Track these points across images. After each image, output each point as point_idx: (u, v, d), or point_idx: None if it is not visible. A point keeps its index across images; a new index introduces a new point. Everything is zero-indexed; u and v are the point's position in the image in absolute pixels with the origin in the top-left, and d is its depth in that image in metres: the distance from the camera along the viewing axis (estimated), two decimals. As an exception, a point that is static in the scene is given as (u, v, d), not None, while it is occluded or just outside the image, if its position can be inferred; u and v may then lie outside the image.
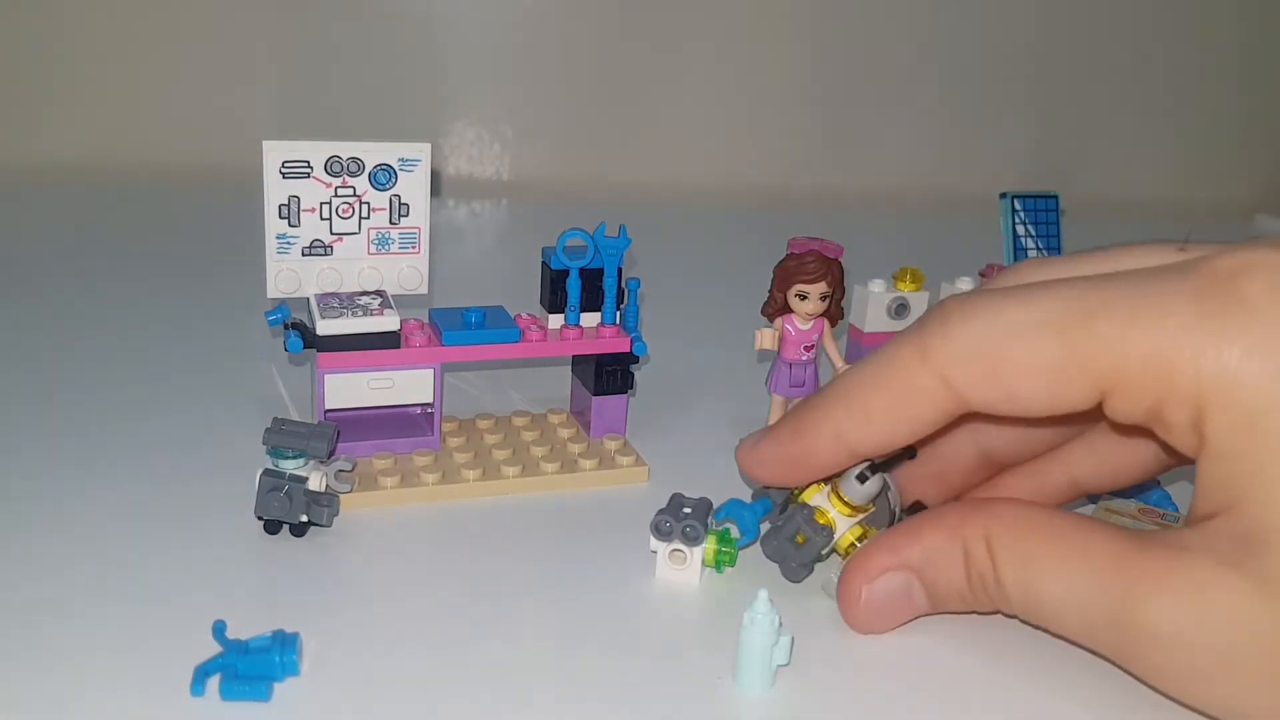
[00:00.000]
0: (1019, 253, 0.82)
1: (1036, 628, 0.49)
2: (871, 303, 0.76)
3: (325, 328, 0.61)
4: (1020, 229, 0.82)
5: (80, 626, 0.48)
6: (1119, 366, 0.42)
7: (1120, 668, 0.46)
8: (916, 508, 0.56)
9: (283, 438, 0.56)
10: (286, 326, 0.62)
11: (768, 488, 0.57)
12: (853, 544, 0.54)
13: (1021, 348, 0.43)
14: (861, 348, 0.75)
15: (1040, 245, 0.82)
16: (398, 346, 0.63)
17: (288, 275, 0.63)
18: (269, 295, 0.63)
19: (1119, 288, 0.43)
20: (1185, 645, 0.41)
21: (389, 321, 0.62)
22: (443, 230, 1.21)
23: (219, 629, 0.45)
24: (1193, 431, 0.42)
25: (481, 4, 1.37)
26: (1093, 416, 0.46)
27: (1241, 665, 0.41)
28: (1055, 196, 0.82)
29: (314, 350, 0.62)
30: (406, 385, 0.64)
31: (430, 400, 0.65)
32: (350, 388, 0.63)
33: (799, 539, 0.54)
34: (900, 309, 0.77)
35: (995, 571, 0.46)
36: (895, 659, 0.50)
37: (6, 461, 0.63)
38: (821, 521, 0.54)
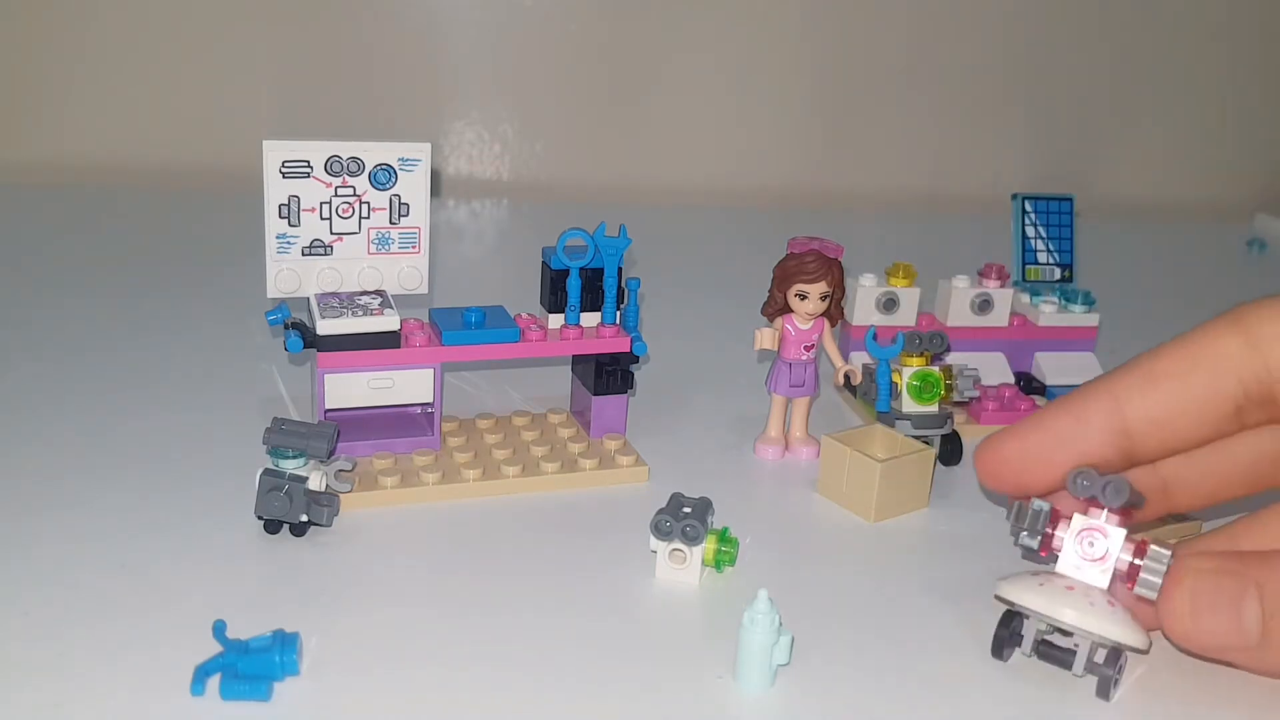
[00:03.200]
0: (1027, 254, 0.81)
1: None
2: (860, 296, 0.76)
3: (325, 327, 0.61)
4: (1030, 230, 0.81)
5: (81, 626, 0.48)
6: None
7: None
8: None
9: (283, 437, 0.56)
10: (287, 326, 0.61)
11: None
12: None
13: None
14: (852, 342, 0.75)
15: (1051, 248, 0.82)
16: (398, 346, 0.63)
17: (288, 275, 0.63)
18: (269, 295, 0.63)
19: None
20: None
21: (389, 321, 0.62)
22: (443, 230, 1.21)
23: (219, 629, 0.45)
24: None
25: (481, 4, 1.37)
26: None
27: None
28: (1070, 199, 0.81)
29: (314, 350, 0.62)
30: (406, 385, 0.64)
31: (430, 400, 0.65)
32: (350, 387, 0.63)
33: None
34: (889, 304, 0.77)
35: None
36: (895, 659, 0.50)
37: (6, 461, 0.63)
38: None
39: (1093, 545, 0.49)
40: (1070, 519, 0.49)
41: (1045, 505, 0.50)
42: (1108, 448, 0.45)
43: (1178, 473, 0.50)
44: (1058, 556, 0.50)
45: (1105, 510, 0.49)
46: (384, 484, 0.61)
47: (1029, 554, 0.51)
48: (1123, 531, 0.49)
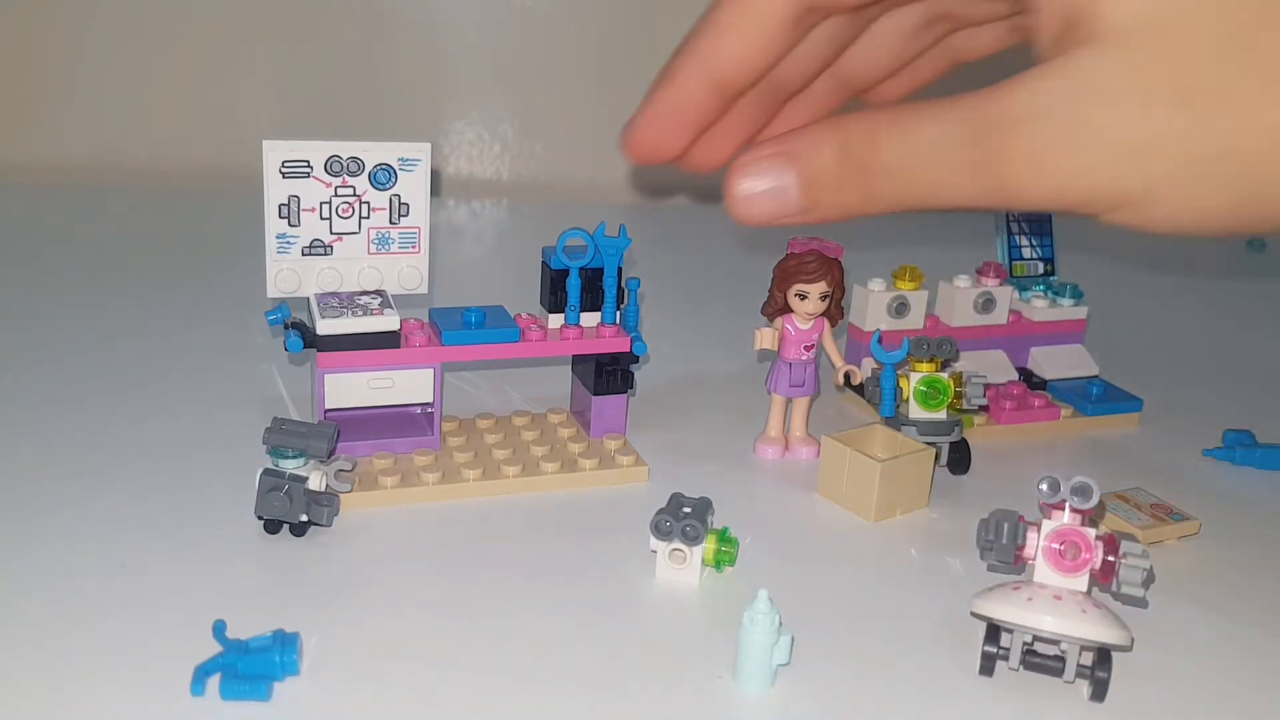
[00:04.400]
0: (1013, 250, 0.82)
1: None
2: (871, 301, 0.76)
3: (325, 327, 0.61)
4: (1014, 226, 0.82)
5: (81, 626, 0.48)
6: None
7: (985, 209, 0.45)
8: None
9: (283, 437, 0.56)
10: (286, 326, 0.61)
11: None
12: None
13: None
14: (862, 346, 0.75)
15: (1034, 243, 0.82)
16: (397, 346, 0.63)
17: (288, 275, 0.63)
18: (269, 295, 0.63)
19: None
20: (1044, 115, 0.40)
21: (389, 321, 0.62)
22: (443, 230, 1.21)
23: (219, 629, 0.45)
24: None
25: (481, 4, 1.37)
26: None
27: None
28: None
29: (314, 350, 0.62)
30: (406, 385, 0.64)
31: (430, 400, 0.65)
32: (350, 387, 0.63)
33: None
34: (900, 307, 0.77)
35: (875, 145, 0.44)
36: (895, 659, 0.50)
37: (6, 461, 0.63)
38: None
39: (1064, 550, 0.49)
40: (1039, 527, 0.50)
41: (1013, 515, 0.51)
42: (715, 101, 0.50)
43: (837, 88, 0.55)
44: (1028, 566, 0.50)
45: (1071, 512, 0.49)
46: (384, 484, 0.61)
47: (999, 566, 0.51)
48: (1092, 531, 0.49)
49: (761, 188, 0.47)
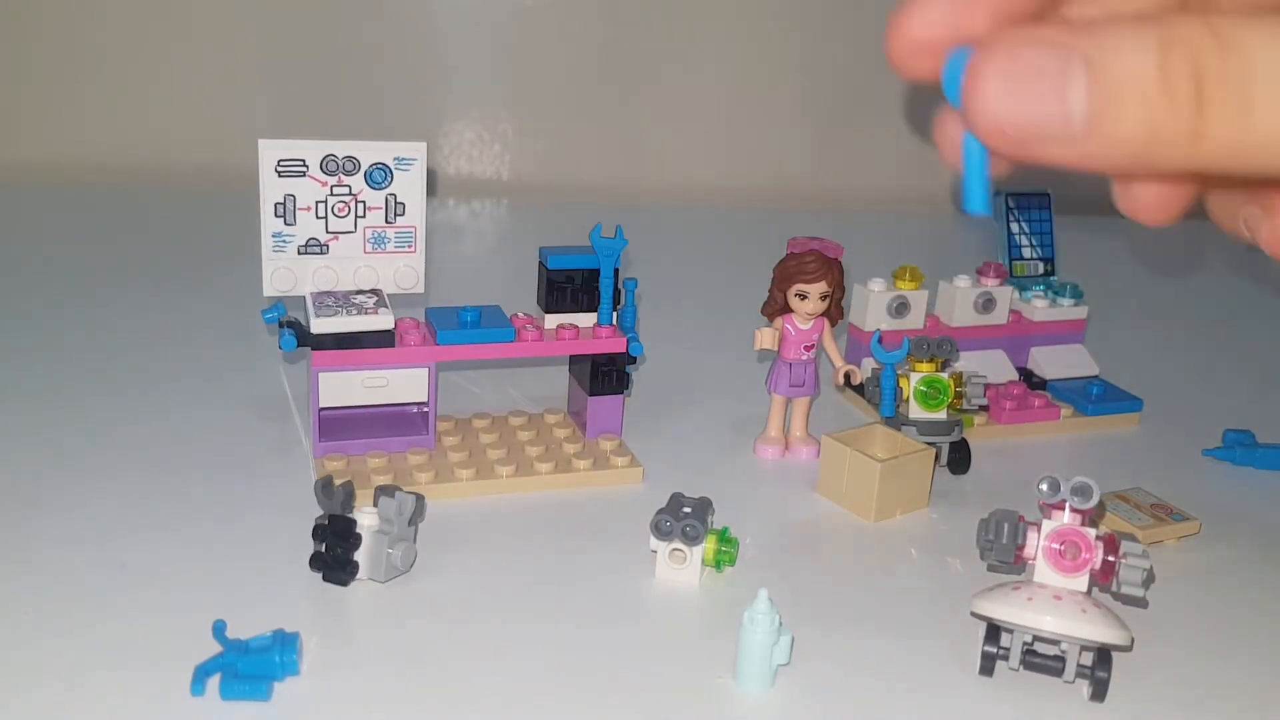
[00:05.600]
0: (1013, 249, 0.82)
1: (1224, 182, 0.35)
2: (872, 301, 0.76)
3: (319, 326, 0.61)
4: (1015, 226, 0.82)
5: (81, 626, 0.48)
6: None
7: None
8: None
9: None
10: (281, 325, 0.61)
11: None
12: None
13: None
14: (862, 346, 0.75)
15: (1034, 243, 0.82)
16: (392, 345, 0.63)
17: (283, 273, 0.63)
18: (265, 294, 0.63)
19: None
20: None
21: (383, 320, 0.62)
22: (442, 230, 1.21)
23: (219, 629, 0.45)
24: None
25: (481, 4, 1.37)
26: None
27: None
28: (1047, 194, 0.83)
29: (309, 348, 0.62)
30: (401, 384, 0.64)
31: (425, 399, 0.65)
32: (344, 386, 0.63)
33: None
34: (900, 307, 0.76)
35: (1227, 56, 0.29)
36: (895, 659, 0.50)
37: (6, 461, 0.63)
38: None
39: (1064, 550, 0.49)
40: (1039, 527, 0.50)
41: (1013, 515, 0.50)
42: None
43: None
44: (1028, 565, 0.50)
45: (1071, 512, 0.49)
46: (376, 483, 0.60)
47: (999, 566, 0.51)
48: (1092, 531, 0.49)
49: (1030, 78, 0.31)
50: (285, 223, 0.62)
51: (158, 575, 0.53)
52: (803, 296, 0.67)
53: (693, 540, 0.54)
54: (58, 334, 0.83)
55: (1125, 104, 0.30)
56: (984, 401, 0.70)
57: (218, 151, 1.23)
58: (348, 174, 0.62)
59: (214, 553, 0.55)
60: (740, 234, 1.29)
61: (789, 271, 0.67)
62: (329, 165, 0.62)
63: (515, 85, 1.40)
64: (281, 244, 0.62)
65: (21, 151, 1.30)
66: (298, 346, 0.61)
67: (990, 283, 0.78)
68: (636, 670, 0.48)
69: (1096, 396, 0.78)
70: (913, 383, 0.67)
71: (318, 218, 0.62)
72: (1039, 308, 0.80)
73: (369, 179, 0.62)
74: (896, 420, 0.67)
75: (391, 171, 0.63)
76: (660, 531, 0.54)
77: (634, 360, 0.68)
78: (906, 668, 0.49)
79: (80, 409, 0.70)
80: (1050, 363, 0.80)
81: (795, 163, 1.46)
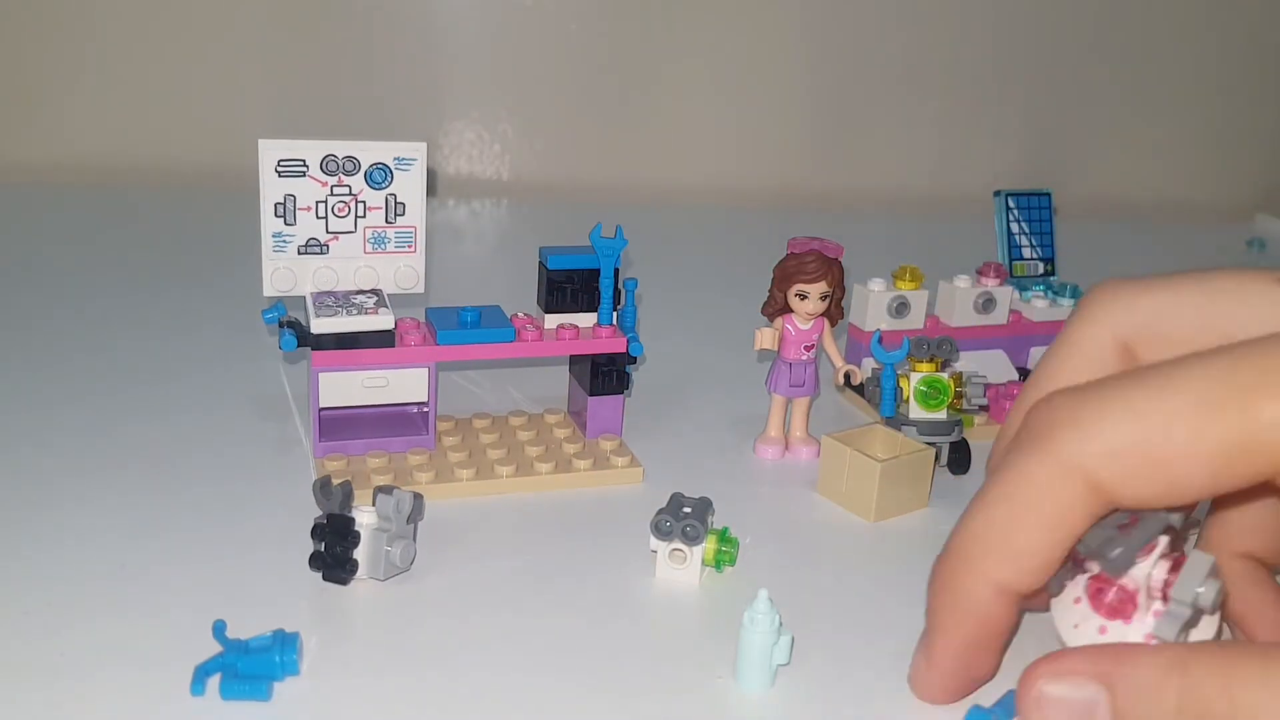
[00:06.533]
0: (1013, 249, 0.82)
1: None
2: (872, 301, 0.76)
3: (319, 326, 0.61)
4: (1014, 226, 0.82)
5: (81, 626, 0.48)
6: None
7: None
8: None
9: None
10: (281, 324, 0.61)
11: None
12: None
13: (1182, 434, 0.39)
14: (862, 346, 0.75)
15: (1034, 243, 0.82)
16: (392, 345, 0.63)
17: (284, 273, 0.63)
18: (265, 294, 0.63)
19: (1267, 356, 0.39)
20: None
21: (383, 320, 0.62)
22: (442, 230, 1.21)
23: (219, 629, 0.45)
24: None
25: (481, 4, 1.37)
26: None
27: None
28: (1048, 194, 0.83)
29: (309, 348, 0.62)
30: (401, 384, 0.64)
31: (425, 399, 0.65)
32: (344, 386, 0.63)
33: None
34: (900, 307, 0.76)
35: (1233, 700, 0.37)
36: (895, 659, 0.50)
37: (6, 461, 0.63)
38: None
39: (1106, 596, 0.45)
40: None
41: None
42: (1016, 615, 0.46)
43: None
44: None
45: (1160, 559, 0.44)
46: (376, 483, 0.60)
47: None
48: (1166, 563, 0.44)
49: (1067, 697, 0.41)
50: (285, 223, 0.62)
51: (158, 575, 0.53)
52: (803, 296, 0.67)
53: (693, 540, 0.54)
54: (58, 334, 0.83)
55: None
56: (984, 401, 0.69)
57: (218, 151, 1.23)
58: (348, 174, 0.62)
59: (214, 553, 0.55)
60: (740, 234, 1.29)
61: (789, 271, 0.67)
62: (329, 165, 0.62)
63: (515, 85, 1.40)
64: (281, 244, 0.62)
65: (21, 151, 1.30)
66: (298, 346, 0.62)
67: (990, 283, 0.78)
68: (636, 670, 0.48)
69: (1096, 396, 0.77)
70: (913, 383, 0.67)
71: (318, 218, 0.62)
72: (1039, 308, 0.80)
73: (369, 179, 0.62)
74: (896, 420, 0.67)
75: (391, 171, 0.63)
76: (660, 531, 0.54)
77: (634, 360, 0.68)
78: (907, 668, 0.49)
79: (80, 409, 0.70)
80: None
81: (796, 163, 1.47)
